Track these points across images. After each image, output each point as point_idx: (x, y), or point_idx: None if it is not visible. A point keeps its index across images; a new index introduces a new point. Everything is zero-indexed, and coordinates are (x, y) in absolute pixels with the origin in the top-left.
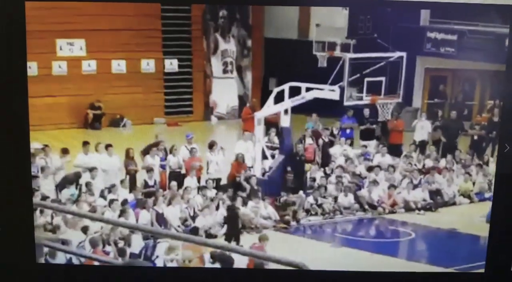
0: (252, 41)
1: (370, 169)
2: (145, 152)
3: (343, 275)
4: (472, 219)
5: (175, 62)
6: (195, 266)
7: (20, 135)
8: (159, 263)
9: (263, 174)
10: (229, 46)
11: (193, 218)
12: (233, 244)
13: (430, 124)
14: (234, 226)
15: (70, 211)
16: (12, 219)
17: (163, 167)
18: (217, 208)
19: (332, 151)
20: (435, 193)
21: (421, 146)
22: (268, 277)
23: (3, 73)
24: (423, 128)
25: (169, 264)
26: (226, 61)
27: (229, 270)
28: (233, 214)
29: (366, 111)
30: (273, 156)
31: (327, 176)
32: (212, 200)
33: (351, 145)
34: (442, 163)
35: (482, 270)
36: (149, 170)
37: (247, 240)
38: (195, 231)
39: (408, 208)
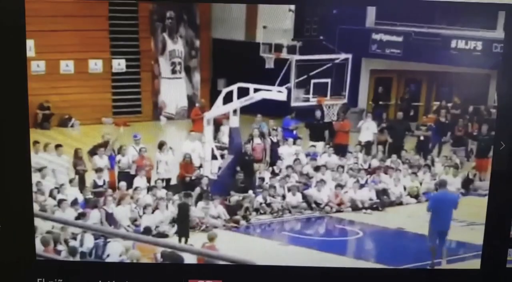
0: (200, 42)
1: (317, 168)
2: (92, 152)
3: (294, 271)
4: (419, 218)
5: (123, 62)
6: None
7: (19, 133)
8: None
9: (213, 174)
10: (177, 46)
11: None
12: (183, 244)
13: (376, 125)
14: (185, 224)
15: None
16: (11, 216)
17: (112, 167)
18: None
19: (280, 150)
20: (382, 193)
21: (367, 146)
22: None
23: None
24: (368, 129)
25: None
26: (174, 61)
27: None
28: (184, 212)
29: (318, 113)
30: (222, 156)
31: (275, 175)
32: (161, 199)
33: (294, 144)
34: (388, 162)
35: (478, 267)
36: (98, 170)
37: (197, 239)
38: (147, 231)
39: (355, 207)
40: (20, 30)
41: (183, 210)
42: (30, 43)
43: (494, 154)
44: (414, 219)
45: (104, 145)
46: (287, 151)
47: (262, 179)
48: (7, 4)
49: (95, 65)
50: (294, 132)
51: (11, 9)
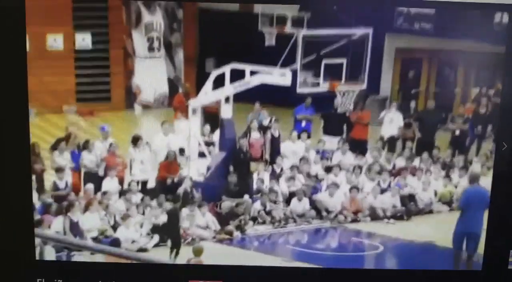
0: (183, 12)
1: (328, 169)
2: (54, 147)
3: None
4: (452, 229)
5: (88, 37)
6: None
7: (19, 132)
8: None
9: (201, 175)
10: (155, 18)
11: (114, 227)
12: (165, 258)
13: (402, 116)
14: (175, 234)
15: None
16: (10, 216)
17: (76, 166)
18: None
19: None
20: (408, 199)
21: (390, 143)
22: None
23: None
24: (392, 122)
25: None
26: (151, 36)
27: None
28: (174, 220)
29: (337, 101)
30: (209, 153)
31: (276, 176)
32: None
33: (308, 138)
34: (417, 162)
35: (479, 269)
36: (59, 169)
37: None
38: (116, 243)
39: (375, 216)
40: None
41: (173, 217)
42: None
43: (495, 155)
44: (446, 230)
45: (66, 138)
46: (291, 148)
47: (261, 181)
48: None
49: (55, 41)
50: (304, 123)
51: None
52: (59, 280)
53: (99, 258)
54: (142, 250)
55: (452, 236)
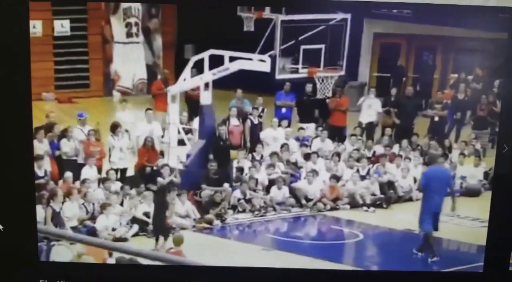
0: None
1: (307, 156)
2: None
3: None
4: None
5: (66, 23)
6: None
7: (23, 134)
8: None
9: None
10: (133, 3)
11: (93, 217)
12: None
13: (380, 102)
14: (162, 220)
15: None
16: (14, 217)
17: (53, 153)
18: (122, 204)
19: (263, 134)
20: (387, 186)
21: (369, 129)
22: None
23: None
24: (370, 108)
25: None
26: (129, 22)
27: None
28: (161, 205)
29: (309, 87)
30: (188, 140)
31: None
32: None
33: (289, 126)
34: (396, 149)
35: (481, 270)
36: (38, 157)
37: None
38: (92, 232)
39: (354, 204)
40: None
41: (161, 206)
42: None
43: (496, 157)
44: None
45: (47, 127)
46: (271, 135)
47: (241, 170)
48: None
49: (34, 27)
50: (284, 110)
51: None
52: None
53: (92, 253)
54: (121, 239)
55: (419, 219)
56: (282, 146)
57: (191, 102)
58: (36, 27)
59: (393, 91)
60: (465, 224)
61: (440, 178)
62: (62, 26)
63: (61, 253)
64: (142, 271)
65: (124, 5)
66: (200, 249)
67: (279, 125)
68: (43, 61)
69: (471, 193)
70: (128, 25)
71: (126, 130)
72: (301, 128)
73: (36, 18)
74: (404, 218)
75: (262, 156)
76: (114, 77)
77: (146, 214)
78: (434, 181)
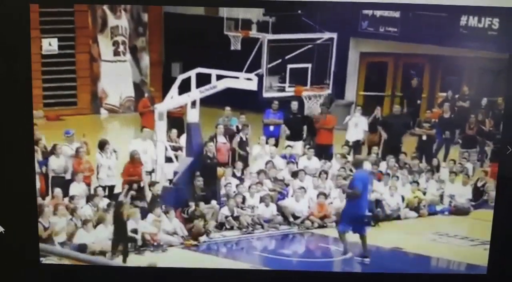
0: (148, 16)
1: (294, 174)
2: None
3: None
4: (421, 236)
5: (54, 42)
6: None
7: (24, 136)
8: None
9: (168, 181)
10: (120, 22)
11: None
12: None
13: (366, 120)
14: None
15: None
16: (15, 220)
17: (41, 170)
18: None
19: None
20: (375, 204)
21: (355, 147)
22: None
23: None
24: (357, 126)
25: None
26: (117, 40)
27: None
28: (119, 224)
29: (295, 105)
30: (175, 158)
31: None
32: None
33: (276, 145)
34: (383, 167)
35: (484, 272)
36: None
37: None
38: (82, 248)
39: None
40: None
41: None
42: None
43: (500, 158)
44: (414, 236)
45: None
46: (258, 152)
47: (229, 186)
48: None
49: None
50: (272, 128)
51: None
52: None
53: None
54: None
55: (341, 218)
56: (267, 163)
57: (176, 120)
58: None
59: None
60: (454, 242)
61: (363, 181)
62: (50, 45)
63: None
64: (145, 274)
65: (111, 23)
66: (187, 265)
67: (267, 143)
68: (32, 79)
69: (460, 212)
70: (116, 43)
71: (114, 151)
72: (288, 146)
73: None
74: (393, 236)
75: (249, 173)
76: (101, 95)
77: (134, 231)
78: (358, 183)
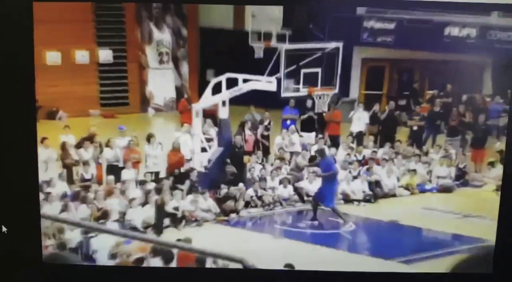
0: (187, 31)
1: (310, 160)
2: (79, 145)
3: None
4: (413, 210)
5: (109, 53)
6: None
7: (26, 135)
8: (100, 258)
9: (203, 167)
10: (164, 36)
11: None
12: (172, 240)
13: (367, 115)
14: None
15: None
16: (18, 219)
17: (98, 160)
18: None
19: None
20: (374, 184)
21: (358, 137)
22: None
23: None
24: (360, 120)
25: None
26: (161, 51)
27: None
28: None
29: (309, 102)
30: (209, 148)
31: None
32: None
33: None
34: (380, 153)
35: (491, 271)
36: (85, 163)
37: (188, 232)
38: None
39: (347, 200)
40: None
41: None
42: None
43: (507, 159)
44: (408, 211)
45: (90, 138)
46: (278, 142)
47: (253, 171)
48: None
49: (82, 56)
50: (288, 122)
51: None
52: None
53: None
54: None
55: (322, 198)
56: (292, 153)
57: (209, 116)
58: (84, 56)
59: (376, 105)
60: (441, 215)
61: (333, 164)
62: (106, 55)
63: (99, 243)
64: (148, 274)
65: (157, 37)
66: (219, 238)
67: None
68: (90, 84)
69: (446, 190)
70: (161, 54)
71: (160, 143)
72: (301, 136)
73: (84, 48)
74: (390, 211)
75: (272, 163)
76: (149, 97)
77: (176, 208)
78: (331, 166)
